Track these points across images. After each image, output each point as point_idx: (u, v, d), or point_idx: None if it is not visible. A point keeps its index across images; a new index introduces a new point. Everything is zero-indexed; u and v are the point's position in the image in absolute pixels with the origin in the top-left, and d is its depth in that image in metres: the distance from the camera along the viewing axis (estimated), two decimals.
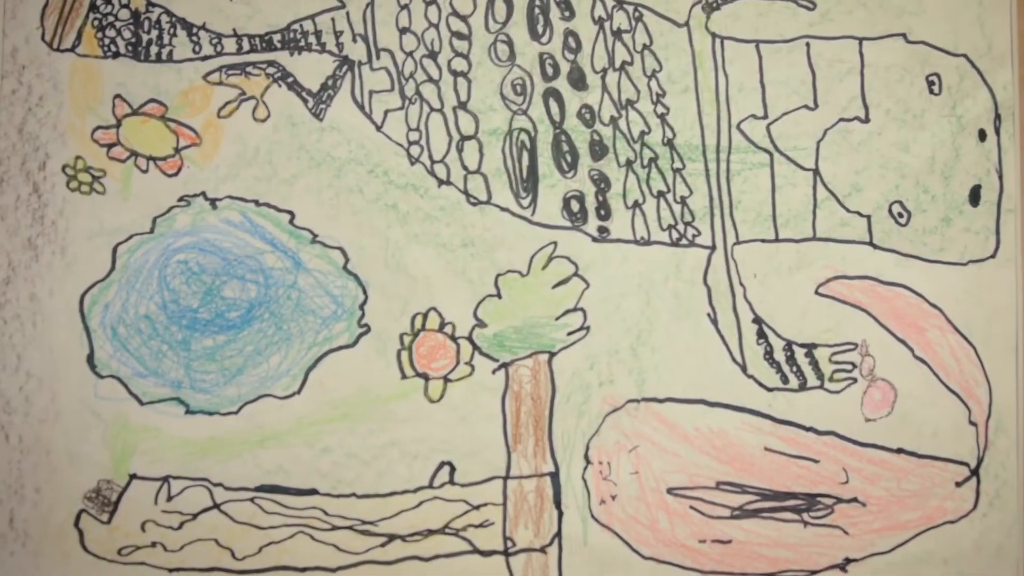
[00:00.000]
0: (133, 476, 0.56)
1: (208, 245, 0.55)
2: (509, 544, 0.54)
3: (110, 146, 0.55)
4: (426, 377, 0.55)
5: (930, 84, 0.55)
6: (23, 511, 0.54)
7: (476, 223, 0.54)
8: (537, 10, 0.54)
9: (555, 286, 0.55)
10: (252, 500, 0.55)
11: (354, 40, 0.54)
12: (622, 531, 0.54)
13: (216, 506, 0.55)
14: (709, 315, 0.54)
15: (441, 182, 0.54)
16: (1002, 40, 0.55)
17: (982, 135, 0.55)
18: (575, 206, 0.54)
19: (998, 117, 0.55)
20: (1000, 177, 0.55)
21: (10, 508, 0.54)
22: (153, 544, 0.55)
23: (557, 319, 0.54)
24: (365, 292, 0.55)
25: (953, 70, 0.55)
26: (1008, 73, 0.55)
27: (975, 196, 0.55)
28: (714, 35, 0.55)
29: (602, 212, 0.54)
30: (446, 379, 0.55)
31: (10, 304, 0.54)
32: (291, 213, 0.55)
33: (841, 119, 0.55)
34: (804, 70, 0.55)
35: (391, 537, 0.54)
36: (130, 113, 0.55)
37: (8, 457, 0.54)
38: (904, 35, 0.55)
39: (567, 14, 0.54)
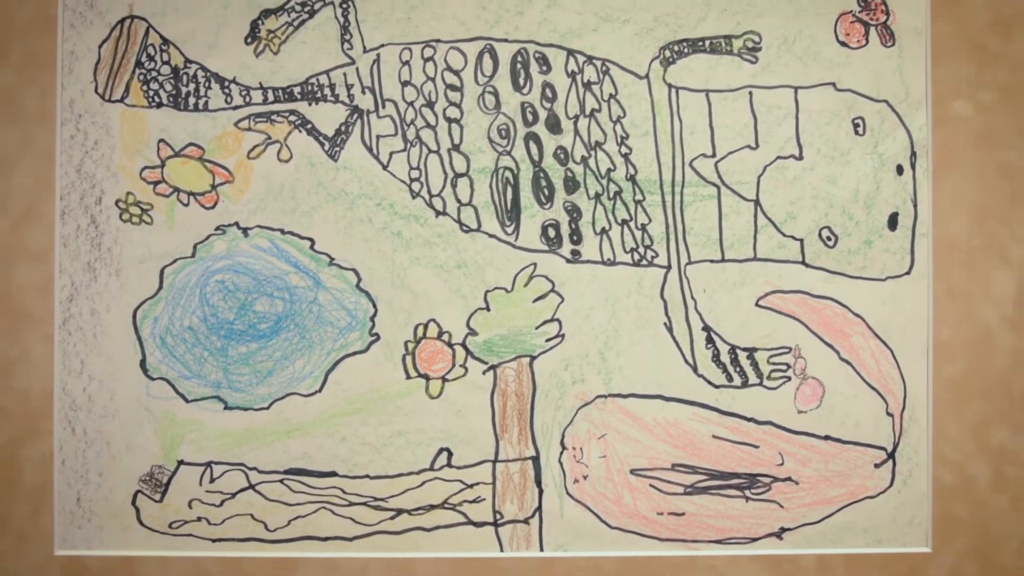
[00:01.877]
0: (181, 462, 0.59)
1: (241, 267, 0.59)
2: (498, 516, 0.59)
3: (156, 183, 0.59)
4: (427, 377, 0.59)
5: (855, 126, 0.60)
6: (88, 492, 0.59)
7: (468, 247, 0.59)
8: (519, 65, 0.59)
9: (535, 300, 0.59)
10: (281, 481, 0.59)
11: (363, 92, 0.59)
12: (593, 505, 0.59)
13: (251, 487, 0.59)
14: (665, 324, 0.59)
15: (438, 213, 0.59)
16: (918, 88, 0.60)
17: (900, 170, 0.60)
18: (552, 233, 0.59)
19: (914, 154, 0.60)
20: (915, 206, 0.60)
21: (77, 490, 0.59)
22: (198, 519, 0.59)
23: (537, 328, 0.59)
24: (375, 306, 0.59)
25: (876, 114, 0.60)
26: (923, 116, 0.60)
27: (893, 222, 0.60)
28: (670, 86, 0.59)
29: (574, 238, 0.59)
30: (444, 379, 0.59)
31: (74, 318, 0.59)
32: (311, 240, 0.59)
33: (779, 157, 0.59)
34: (747, 115, 0.59)
35: (399, 511, 0.59)
36: (172, 155, 0.59)
37: (75, 447, 0.59)
38: (834, 84, 0.60)
39: (544, 69, 0.59)
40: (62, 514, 0.58)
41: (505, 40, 0.59)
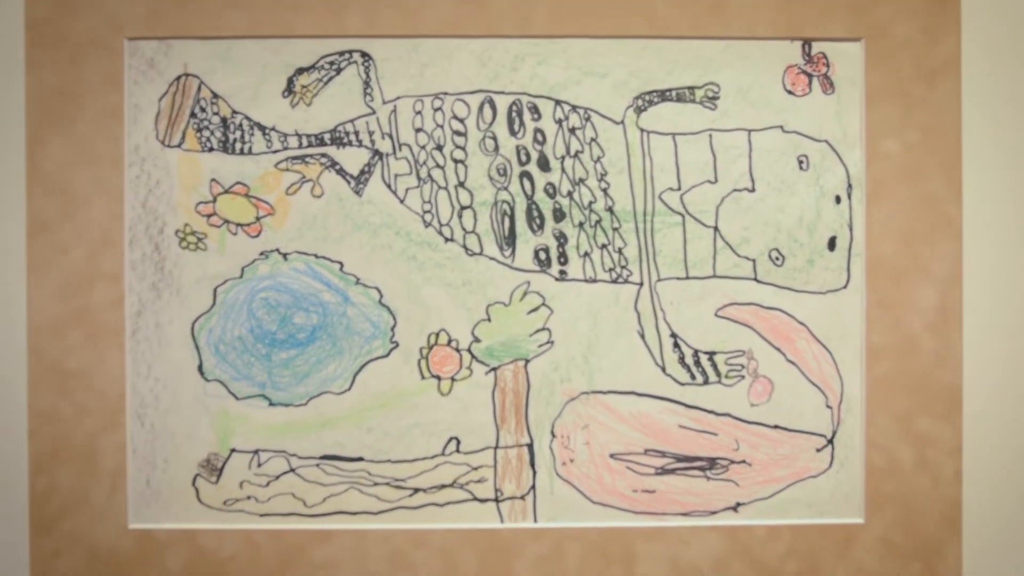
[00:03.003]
0: (233, 450, 0.65)
1: (282, 286, 0.66)
2: (498, 494, 0.65)
3: (209, 216, 0.65)
4: (438, 378, 0.65)
5: (800, 162, 0.66)
6: (155, 475, 0.66)
7: (472, 268, 0.66)
8: (514, 114, 0.66)
9: (529, 312, 0.66)
10: (317, 465, 0.65)
11: (383, 137, 0.66)
12: (578, 484, 0.66)
13: (292, 470, 0.65)
14: (639, 332, 0.66)
15: (447, 240, 0.66)
16: (854, 129, 0.67)
17: (838, 199, 0.66)
18: (542, 255, 0.66)
19: (850, 186, 0.66)
20: (851, 230, 0.66)
21: (147, 474, 0.66)
22: (248, 497, 0.65)
23: (530, 336, 0.66)
24: (394, 318, 0.65)
25: (817, 152, 0.66)
26: (858, 154, 0.66)
27: (832, 244, 0.66)
28: (642, 130, 0.66)
29: (562, 259, 0.66)
30: (453, 379, 0.65)
31: (142, 330, 0.66)
32: (341, 263, 0.65)
33: (734, 189, 0.66)
34: (708, 154, 0.66)
35: (416, 490, 0.65)
36: (222, 192, 0.65)
37: (145, 438, 0.66)
38: (781, 127, 0.66)
39: (536, 116, 0.66)
40: (134, 494, 0.65)
41: (502, 92, 0.67)
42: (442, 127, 0.66)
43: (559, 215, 0.67)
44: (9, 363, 0.67)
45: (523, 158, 0.67)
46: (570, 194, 0.67)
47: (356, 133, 0.66)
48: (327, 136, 0.66)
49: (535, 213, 0.67)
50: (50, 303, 0.65)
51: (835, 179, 0.67)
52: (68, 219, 0.66)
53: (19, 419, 0.67)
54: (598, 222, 0.67)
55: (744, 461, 0.67)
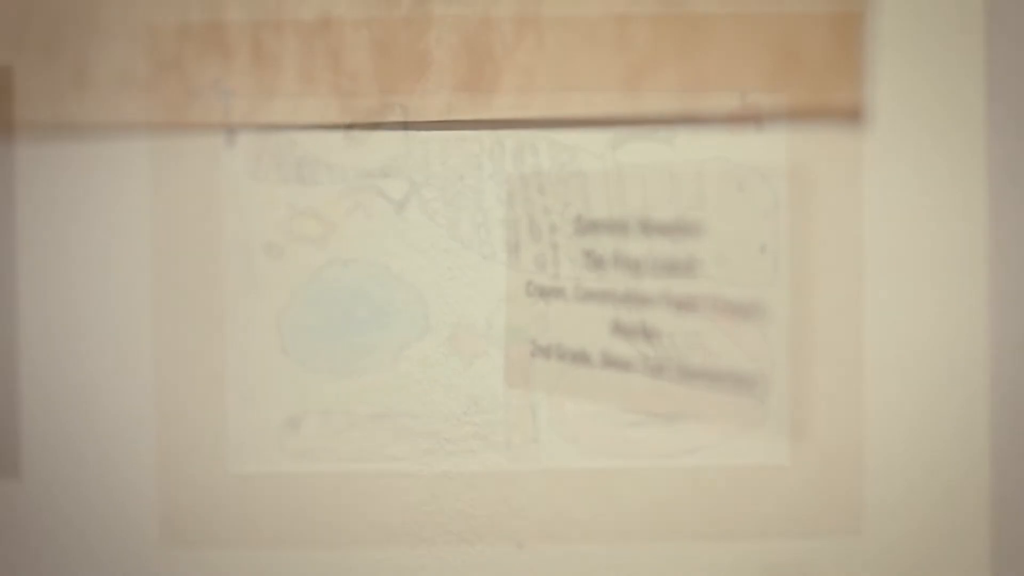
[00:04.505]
0: (308, 412, 0.85)
1: (344, 286, 0.86)
2: (509, 443, 0.88)
3: (287, 233, 0.92)
4: (462, 354, 0.91)
5: (739, 188, 0.90)
6: (249, 432, 0.84)
7: (486, 271, 0.90)
8: (518, 151, 0.90)
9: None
10: (372, 422, 0.86)
11: (418, 171, 0.90)
12: (571, 436, 0.89)
13: (353, 426, 0.85)
14: None
15: (467, 249, 0.89)
16: (781, 161, 0.89)
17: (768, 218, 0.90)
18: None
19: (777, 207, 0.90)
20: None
21: (242, 431, 0.85)
22: (320, 447, 0.85)
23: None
24: (428, 309, 0.86)
25: (752, 179, 0.87)
26: (784, 181, 0.88)
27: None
28: (617, 162, 0.90)
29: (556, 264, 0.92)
30: (473, 355, 0.91)
31: (237, 321, 0.91)
32: (388, 268, 0.86)
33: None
34: (667, 181, 0.90)
35: (445, 440, 0.84)
36: (297, 214, 0.92)
37: (241, 404, 0.85)
38: (724, 159, 0.86)
39: (535, 153, 0.90)
40: (232, 447, 0.85)
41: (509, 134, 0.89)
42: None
43: (554, 229, 0.88)
44: (138, 347, 0.89)
45: (525, 185, 0.87)
46: (561, 213, 0.87)
47: (398, 168, 0.87)
48: (376, 170, 0.87)
49: (535, 228, 0.87)
50: (167, 301, 0.87)
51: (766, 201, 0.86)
52: (181, 237, 0.87)
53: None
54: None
55: None
